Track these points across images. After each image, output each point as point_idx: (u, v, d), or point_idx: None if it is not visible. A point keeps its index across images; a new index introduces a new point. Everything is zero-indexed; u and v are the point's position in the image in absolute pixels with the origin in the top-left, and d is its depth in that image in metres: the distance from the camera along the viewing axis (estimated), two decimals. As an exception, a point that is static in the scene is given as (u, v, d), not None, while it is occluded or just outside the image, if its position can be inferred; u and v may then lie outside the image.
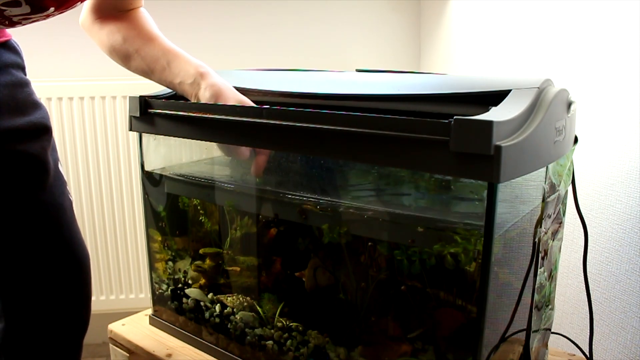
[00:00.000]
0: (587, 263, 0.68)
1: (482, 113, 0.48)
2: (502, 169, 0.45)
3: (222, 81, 0.71)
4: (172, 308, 0.85)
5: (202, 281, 0.82)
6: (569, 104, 0.59)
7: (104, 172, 1.42)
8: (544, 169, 0.54)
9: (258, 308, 0.75)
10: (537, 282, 0.58)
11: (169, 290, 0.86)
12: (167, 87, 0.76)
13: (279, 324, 0.72)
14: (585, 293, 0.68)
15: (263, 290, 0.75)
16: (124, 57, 0.76)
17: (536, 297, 0.59)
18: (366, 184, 0.64)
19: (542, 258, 0.58)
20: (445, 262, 0.54)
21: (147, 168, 0.84)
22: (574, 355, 0.80)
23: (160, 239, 0.86)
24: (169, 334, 0.85)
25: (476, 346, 0.52)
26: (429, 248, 0.56)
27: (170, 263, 0.87)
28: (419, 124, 0.48)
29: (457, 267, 0.54)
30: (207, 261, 0.82)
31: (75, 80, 1.41)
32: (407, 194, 0.61)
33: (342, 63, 1.55)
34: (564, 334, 0.76)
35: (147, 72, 0.75)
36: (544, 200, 0.55)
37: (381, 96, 0.64)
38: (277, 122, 0.59)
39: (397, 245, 0.59)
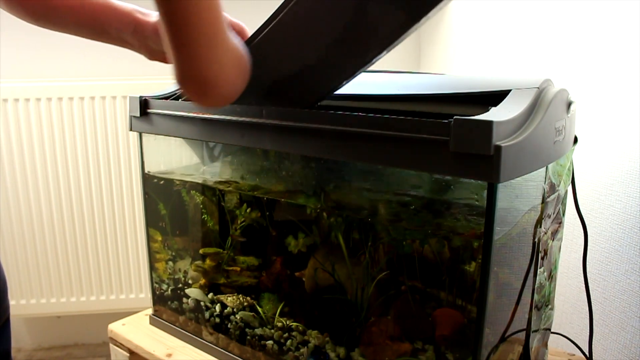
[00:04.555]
0: (587, 263, 0.68)
1: (482, 113, 0.48)
2: (501, 169, 0.45)
3: None
4: (172, 308, 0.85)
5: (202, 281, 0.82)
6: (569, 104, 0.59)
7: (104, 172, 1.42)
8: (543, 169, 0.54)
9: (258, 308, 0.75)
10: (537, 282, 0.58)
11: (169, 290, 0.86)
12: (95, 39, 0.64)
13: (279, 324, 0.72)
14: (585, 293, 0.68)
15: (263, 290, 0.75)
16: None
17: (536, 297, 0.59)
18: (366, 184, 0.64)
19: (542, 258, 0.58)
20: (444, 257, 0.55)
21: (147, 168, 0.84)
22: (574, 355, 0.80)
23: (160, 239, 0.86)
24: (169, 333, 0.85)
25: (476, 346, 0.52)
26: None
27: (170, 263, 0.87)
28: (419, 124, 0.48)
29: (456, 265, 0.54)
30: (207, 261, 0.82)
31: (75, 80, 1.41)
32: (407, 195, 0.61)
33: (342, 63, 1.54)
34: (563, 333, 0.76)
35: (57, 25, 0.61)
36: (543, 200, 0.55)
37: (381, 96, 0.64)
38: (277, 122, 0.60)
39: (397, 244, 0.59)
